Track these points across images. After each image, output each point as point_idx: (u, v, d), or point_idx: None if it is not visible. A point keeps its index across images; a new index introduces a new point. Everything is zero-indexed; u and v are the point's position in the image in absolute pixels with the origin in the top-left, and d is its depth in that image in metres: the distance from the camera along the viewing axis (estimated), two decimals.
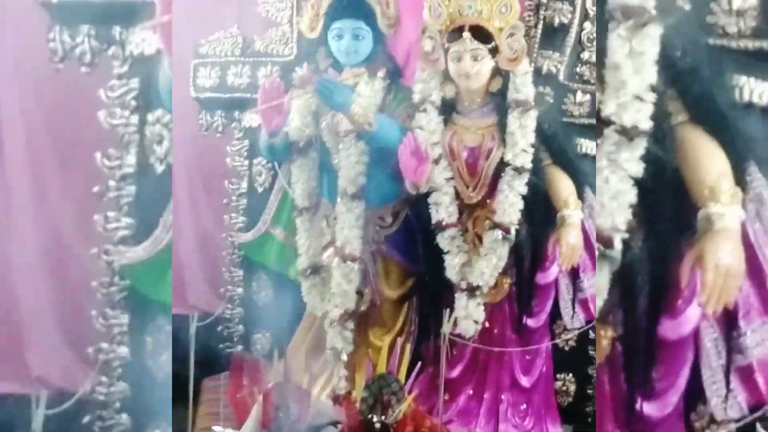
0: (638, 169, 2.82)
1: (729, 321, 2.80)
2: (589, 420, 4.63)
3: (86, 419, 3.32)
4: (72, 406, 3.27)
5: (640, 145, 2.81)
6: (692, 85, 2.78)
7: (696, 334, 2.83)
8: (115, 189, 3.27)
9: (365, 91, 4.28)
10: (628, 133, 2.80)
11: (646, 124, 2.80)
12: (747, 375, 2.79)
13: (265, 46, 4.87)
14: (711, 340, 2.82)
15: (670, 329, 2.83)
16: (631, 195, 2.84)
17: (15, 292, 3.66)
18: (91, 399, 3.33)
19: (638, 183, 2.83)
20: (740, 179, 2.78)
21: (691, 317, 2.79)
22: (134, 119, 3.26)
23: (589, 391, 4.68)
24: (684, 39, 2.75)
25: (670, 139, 2.87)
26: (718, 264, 2.67)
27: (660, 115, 2.88)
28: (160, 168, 3.39)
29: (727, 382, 2.80)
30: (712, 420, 2.86)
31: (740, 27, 2.75)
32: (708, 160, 2.79)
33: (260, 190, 4.92)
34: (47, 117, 3.58)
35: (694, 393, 2.88)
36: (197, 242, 5.34)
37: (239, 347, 4.84)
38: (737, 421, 2.81)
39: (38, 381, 3.32)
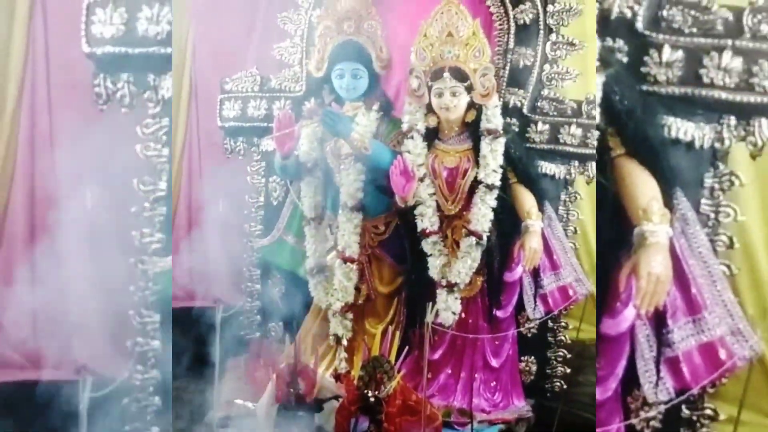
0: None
1: (659, 320, 2.81)
2: (548, 395, 4.66)
3: (125, 401, 3.35)
4: (113, 390, 3.29)
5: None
6: (628, 124, 2.79)
7: (632, 331, 2.83)
8: (149, 209, 3.32)
9: (362, 121, 4.31)
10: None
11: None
12: (674, 365, 2.79)
13: (279, 84, 4.87)
14: (644, 335, 2.83)
15: (610, 327, 2.84)
16: None
17: (66, 297, 3.70)
18: (129, 384, 3.36)
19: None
20: (668, 202, 2.79)
21: (627, 317, 2.77)
22: (165, 151, 3.31)
23: (548, 371, 4.70)
24: (622, 86, 2.77)
25: (611, 169, 2.90)
26: (650, 272, 2.67)
27: (603, 149, 2.93)
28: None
29: (658, 371, 2.80)
30: (645, 402, 2.88)
31: (668, 76, 2.76)
32: (641, 187, 2.79)
33: (275, 203, 4.91)
34: (94, 150, 3.61)
35: (630, 380, 2.89)
36: (222, 247, 5.36)
37: (257, 334, 4.82)
38: (666, 403, 2.81)
39: (85, 369, 3.33)
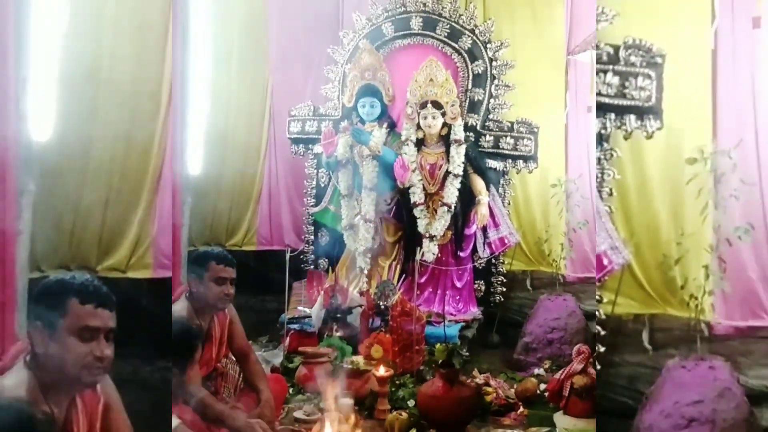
0: None
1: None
2: (491, 305, 4.62)
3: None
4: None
5: None
6: None
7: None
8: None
9: (377, 134, 4.31)
10: None
11: None
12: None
13: (325, 111, 4.85)
14: None
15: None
16: None
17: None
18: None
19: None
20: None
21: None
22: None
23: (491, 290, 4.64)
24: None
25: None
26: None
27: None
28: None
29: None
30: None
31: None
32: None
33: (323, 185, 4.89)
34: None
35: None
36: (290, 212, 5.37)
37: (312, 267, 4.83)
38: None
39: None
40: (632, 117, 2.71)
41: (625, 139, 2.82)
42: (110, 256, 3.59)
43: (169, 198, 3.44)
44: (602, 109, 2.73)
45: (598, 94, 2.70)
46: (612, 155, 2.85)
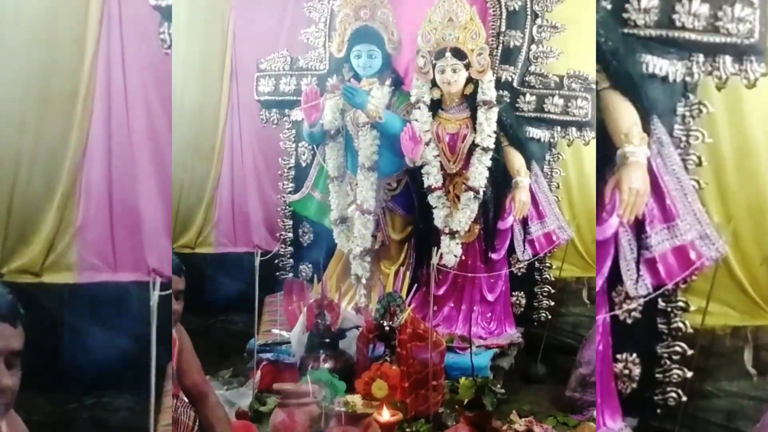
0: None
1: (638, 227, 2.81)
2: (535, 324, 4.67)
3: None
4: None
5: None
6: (612, 61, 2.79)
7: (616, 236, 2.84)
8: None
9: (377, 94, 4.30)
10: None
11: None
12: (651, 265, 2.79)
13: (306, 63, 4.84)
14: (626, 240, 2.81)
15: (598, 233, 2.86)
16: None
17: (139, 212, 3.70)
18: None
19: None
20: (646, 128, 2.78)
21: (612, 225, 2.78)
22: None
23: (535, 304, 4.70)
24: (606, 29, 2.76)
25: (598, 100, 2.90)
26: (631, 187, 2.67)
27: None
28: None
29: (638, 270, 2.81)
30: (627, 296, 2.89)
31: (646, 20, 2.75)
32: (623, 115, 2.78)
33: (303, 165, 4.89)
34: (159, 88, 3.61)
35: (615, 277, 2.91)
36: (260, 202, 5.38)
37: (290, 275, 4.85)
38: (645, 297, 2.82)
39: (154, 272, 3.34)
40: (728, 59, 2.73)
41: (719, 89, 2.84)
42: (18, 256, 3.63)
43: (98, 183, 3.50)
44: (685, 49, 2.75)
45: (682, 27, 2.72)
46: (701, 111, 2.89)
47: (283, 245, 4.93)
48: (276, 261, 4.86)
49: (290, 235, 4.94)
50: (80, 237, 3.74)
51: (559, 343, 4.55)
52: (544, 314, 4.67)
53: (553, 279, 4.70)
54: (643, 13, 2.76)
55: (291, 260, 4.89)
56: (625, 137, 2.76)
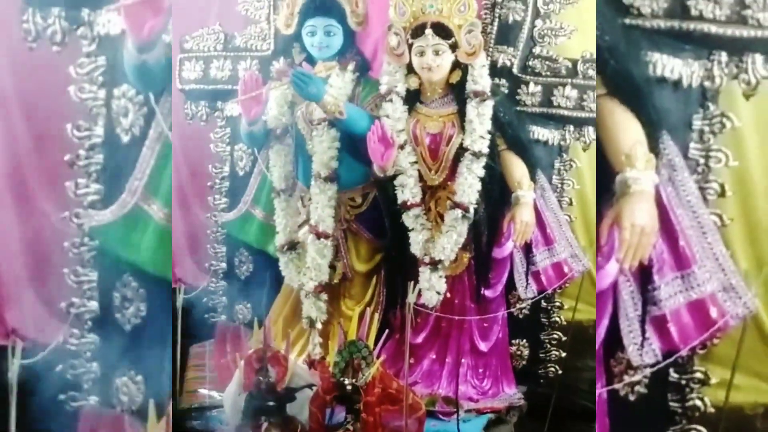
0: None
1: (644, 275, 2.79)
2: (542, 381, 4.68)
3: (59, 368, 3.31)
4: (46, 356, 3.27)
5: None
6: (610, 61, 2.78)
7: (615, 287, 2.83)
8: (84, 158, 3.27)
9: (336, 82, 4.31)
10: None
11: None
12: (661, 324, 2.79)
13: (245, 42, 4.85)
14: (628, 292, 2.82)
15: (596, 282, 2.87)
16: None
17: None
18: (63, 349, 3.33)
19: None
20: (654, 147, 2.78)
21: (610, 272, 2.78)
22: (101, 93, 3.26)
23: (542, 355, 4.72)
24: (602, 19, 2.76)
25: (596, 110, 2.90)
26: (634, 223, 2.65)
27: None
28: (125, 138, 3.40)
29: (643, 331, 2.80)
30: (629, 365, 2.87)
31: (653, 8, 2.74)
32: (624, 129, 2.77)
33: (241, 173, 4.90)
34: (21, 92, 3.57)
35: (614, 341, 2.89)
36: (183, 221, 5.35)
37: (223, 317, 4.84)
38: (652, 366, 2.81)
39: (14, 333, 3.29)
40: (759, 58, 2.75)
41: (747, 97, 2.85)
42: None
43: None
44: (704, 45, 2.76)
45: (699, 17, 2.74)
46: (724, 125, 2.87)
47: (213, 279, 4.92)
48: (204, 299, 4.85)
49: (223, 265, 4.93)
50: None
51: (573, 407, 4.53)
52: (552, 369, 4.69)
53: (564, 323, 4.71)
54: None
55: (224, 298, 4.88)
56: (627, 159, 2.75)
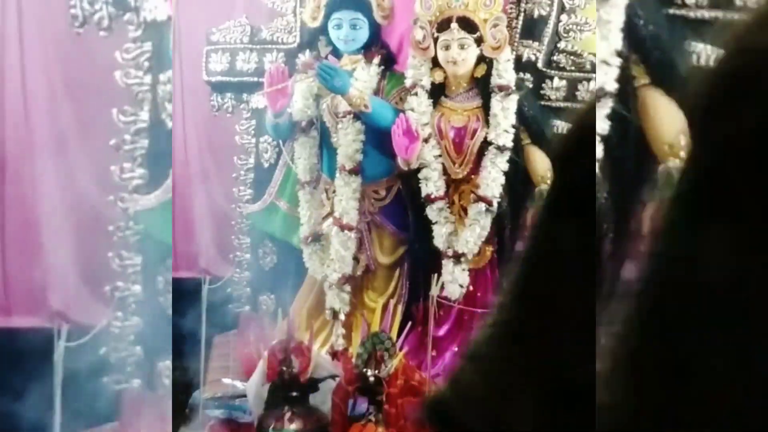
0: (604, 126, 2.83)
1: None
2: None
3: (103, 351, 3.33)
4: (90, 339, 3.28)
5: (606, 105, 2.81)
6: (653, 51, 2.76)
7: None
8: (129, 142, 3.29)
9: (362, 76, 4.31)
10: (596, 95, 2.80)
11: (612, 86, 2.80)
12: None
13: (271, 35, 4.86)
14: None
15: (632, 271, 2.86)
16: (598, 150, 2.84)
17: (40, 237, 3.67)
18: (107, 332, 3.34)
19: (604, 139, 2.84)
20: None
21: None
22: (147, 79, 3.28)
23: None
24: (646, 9, 2.74)
25: (634, 100, 2.88)
26: None
27: (624, 78, 2.89)
28: (170, 124, 3.43)
29: None
30: None
31: None
32: (667, 119, 2.76)
33: (266, 165, 4.91)
34: (68, 76, 3.58)
35: None
36: (209, 212, 5.37)
37: (247, 308, 4.85)
38: None
39: (59, 316, 3.31)
40: None
41: None
42: None
43: None
44: None
45: (744, 7, 2.72)
46: None
47: (238, 270, 4.93)
48: (229, 290, 4.86)
49: (247, 256, 4.94)
50: None
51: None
52: None
53: None
54: None
55: (248, 289, 4.90)
56: (670, 149, 2.74)
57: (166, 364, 3.48)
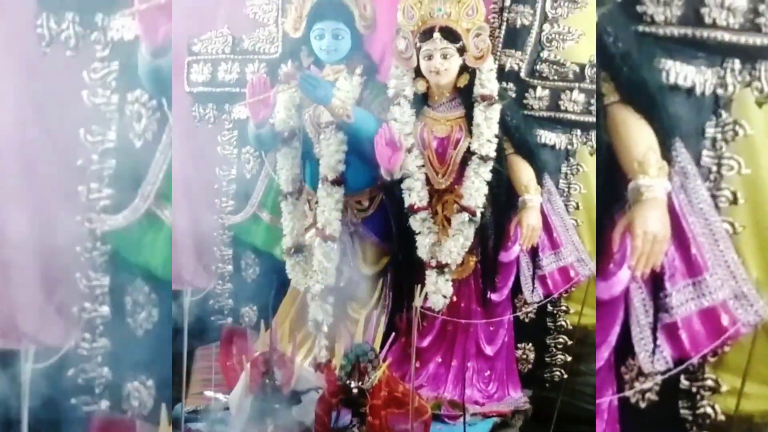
0: None
1: (656, 282, 2.78)
2: (547, 385, 4.67)
3: (70, 372, 3.29)
4: (57, 361, 3.24)
5: None
6: (623, 68, 2.78)
7: (626, 295, 2.82)
8: (97, 162, 3.26)
9: (344, 86, 4.30)
10: None
11: None
12: (672, 332, 2.77)
13: (253, 45, 4.86)
14: (640, 300, 2.80)
15: (603, 290, 2.85)
16: None
17: (5, 258, 3.64)
18: (75, 354, 3.31)
19: None
20: (666, 154, 2.77)
21: (621, 279, 2.77)
22: (114, 98, 3.25)
23: (547, 359, 4.71)
24: (616, 26, 2.75)
25: (603, 118, 2.89)
26: (646, 231, 2.66)
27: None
28: (138, 143, 3.39)
29: (654, 338, 2.78)
30: (640, 372, 2.85)
31: (667, 15, 2.73)
32: (637, 137, 2.77)
33: (248, 176, 4.90)
34: (35, 96, 3.56)
35: (624, 348, 2.88)
36: (191, 224, 5.34)
37: (229, 320, 4.83)
38: (663, 373, 2.79)
39: (26, 337, 3.28)
40: None
41: (760, 105, 2.83)
42: None
43: None
44: (717, 52, 2.73)
45: (713, 25, 2.73)
46: (736, 132, 2.86)
47: (220, 281, 4.92)
48: (211, 302, 4.84)
49: (229, 267, 4.93)
50: None
51: (578, 411, 4.52)
52: (558, 372, 4.68)
53: (570, 327, 4.70)
54: (663, 6, 2.75)
55: (230, 301, 4.88)
56: (639, 166, 2.75)
57: (134, 386, 3.44)
